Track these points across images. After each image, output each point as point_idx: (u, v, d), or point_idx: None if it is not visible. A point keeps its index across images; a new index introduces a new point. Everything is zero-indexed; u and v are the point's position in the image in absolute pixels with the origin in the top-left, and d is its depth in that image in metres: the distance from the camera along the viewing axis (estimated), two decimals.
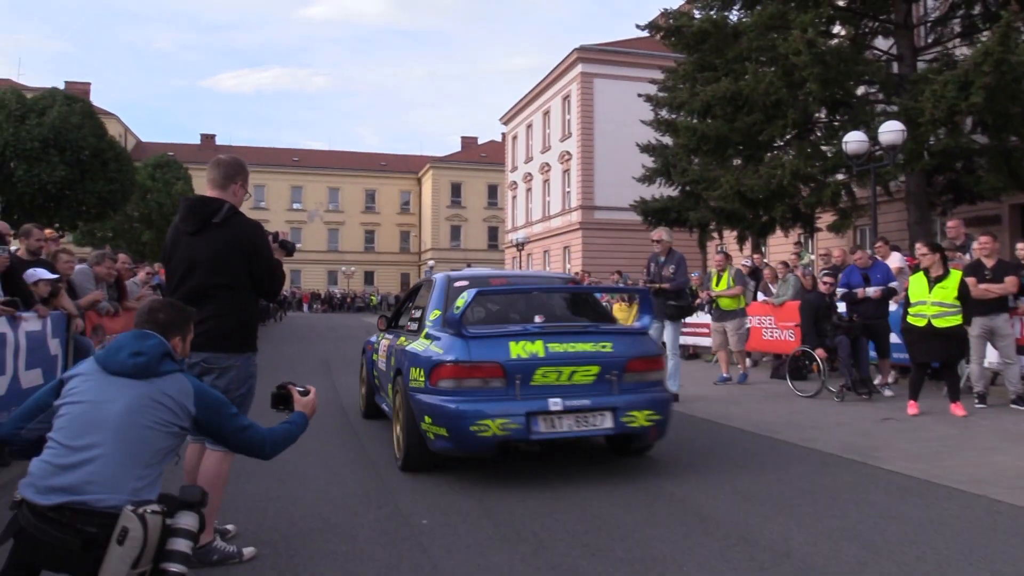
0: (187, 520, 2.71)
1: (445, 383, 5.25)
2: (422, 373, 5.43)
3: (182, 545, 2.65)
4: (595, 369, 5.34)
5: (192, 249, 3.84)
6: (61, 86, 39.00)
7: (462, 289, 5.86)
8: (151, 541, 2.53)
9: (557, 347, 5.35)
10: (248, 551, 3.84)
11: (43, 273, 6.55)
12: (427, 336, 5.80)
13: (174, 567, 2.62)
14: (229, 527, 4.20)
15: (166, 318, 3.08)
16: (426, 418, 5.27)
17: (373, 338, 8.07)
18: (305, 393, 3.48)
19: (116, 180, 29.97)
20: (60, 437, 2.68)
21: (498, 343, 5.33)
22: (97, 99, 52.91)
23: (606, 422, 5.27)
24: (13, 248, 7.17)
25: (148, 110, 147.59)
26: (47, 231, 8.02)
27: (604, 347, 5.49)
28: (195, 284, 3.81)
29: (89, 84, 56.16)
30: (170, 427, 2.83)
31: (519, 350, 5.27)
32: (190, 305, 3.72)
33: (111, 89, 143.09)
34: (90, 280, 7.88)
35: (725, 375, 11.24)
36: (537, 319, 5.87)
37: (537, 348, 5.30)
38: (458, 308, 5.37)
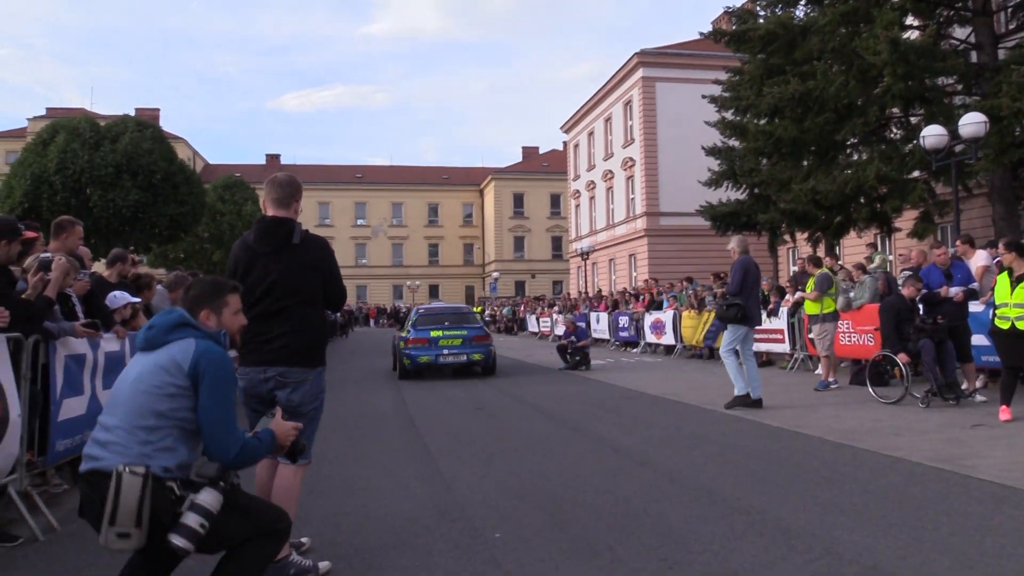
0: (205, 497, 2.74)
1: (411, 344, 14.69)
2: (404, 342, 14.91)
3: (192, 520, 2.68)
4: (461, 340, 14.71)
5: (270, 268, 3.91)
6: (132, 113, 40.57)
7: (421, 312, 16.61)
8: (125, 500, 2.60)
9: (449, 331, 14.87)
10: (323, 565, 3.86)
11: (129, 297, 6.80)
12: (407, 330, 15.42)
13: (177, 539, 2.66)
14: (304, 540, 4.24)
15: (196, 292, 3.19)
16: (404, 357, 14.70)
17: (396, 333, 17.87)
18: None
19: (187, 202, 30.94)
20: (100, 415, 2.96)
21: (427, 330, 14.89)
22: (166, 124, 55.16)
23: (463, 357, 14.63)
24: (94, 269, 7.45)
25: (214, 133, 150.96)
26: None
27: (464, 332, 14.92)
28: (273, 301, 3.88)
29: (158, 110, 58.48)
30: (165, 387, 2.83)
31: (435, 332, 14.78)
32: (267, 322, 3.83)
33: (178, 114, 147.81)
34: (165, 301, 8.14)
35: (824, 380, 10.94)
36: (447, 323, 15.22)
37: (440, 332, 14.79)
38: (414, 319, 15.91)
